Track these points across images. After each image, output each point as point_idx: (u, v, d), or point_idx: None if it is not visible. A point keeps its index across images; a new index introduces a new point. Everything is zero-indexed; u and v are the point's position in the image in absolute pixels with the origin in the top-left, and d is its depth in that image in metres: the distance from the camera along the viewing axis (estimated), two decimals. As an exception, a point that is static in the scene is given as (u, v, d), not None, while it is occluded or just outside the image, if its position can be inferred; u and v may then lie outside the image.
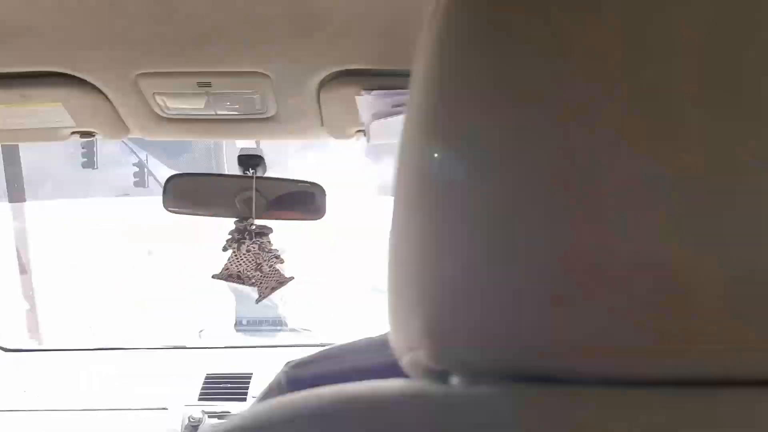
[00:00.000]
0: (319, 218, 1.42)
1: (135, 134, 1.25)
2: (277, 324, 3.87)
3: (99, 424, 1.52)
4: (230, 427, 0.33)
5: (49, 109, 1.15)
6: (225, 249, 1.34)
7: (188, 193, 1.36)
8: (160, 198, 1.28)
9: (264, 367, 1.62)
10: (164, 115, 1.17)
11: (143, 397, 1.59)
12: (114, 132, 1.24)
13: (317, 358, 0.59)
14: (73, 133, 1.24)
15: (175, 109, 1.16)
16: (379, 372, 0.36)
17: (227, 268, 1.33)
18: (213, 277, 1.35)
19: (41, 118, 1.18)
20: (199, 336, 3.94)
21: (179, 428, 1.47)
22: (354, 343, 0.62)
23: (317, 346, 2.34)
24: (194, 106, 1.15)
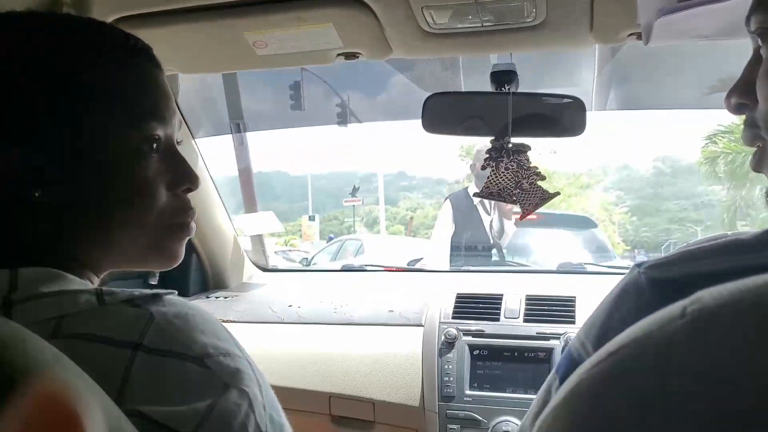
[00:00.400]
0: (579, 134, 1.35)
1: (398, 54, 1.25)
2: (488, 250, 3.86)
3: (360, 337, 1.61)
4: (725, 300, 0.30)
5: (320, 30, 1.18)
6: (483, 168, 1.32)
7: (444, 113, 1.35)
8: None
9: (510, 289, 1.61)
10: (430, 31, 1.16)
11: (398, 315, 1.66)
12: (378, 52, 1.25)
13: (674, 259, 0.54)
14: (339, 55, 1.27)
15: (442, 23, 1.14)
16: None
17: (488, 187, 1.31)
18: (474, 195, 1.35)
19: (312, 40, 1.22)
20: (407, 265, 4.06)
21: (436, 344, 1.51)
22: (710, 245, 0.55)
23: (548, 272, 2.30)
24: (462, 17, 1.12)
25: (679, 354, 0.29)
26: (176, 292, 0.65)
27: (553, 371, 0.61)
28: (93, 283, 0.69)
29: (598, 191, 26.57)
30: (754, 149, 0.63)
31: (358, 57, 1.27)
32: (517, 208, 3.68)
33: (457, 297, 1.60)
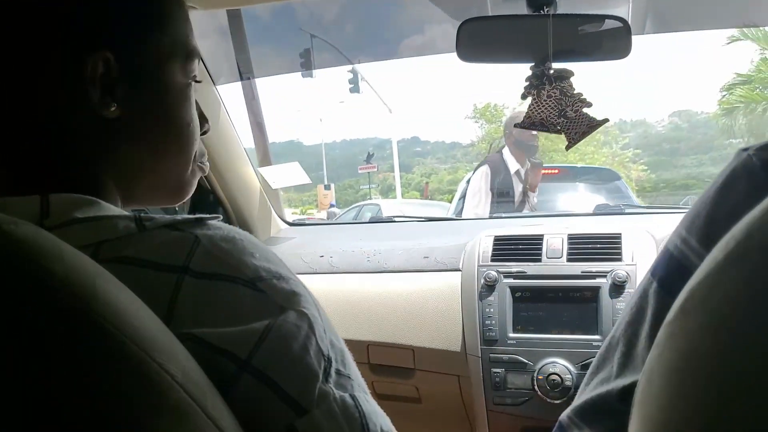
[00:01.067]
0: (624, 57, 1.26)
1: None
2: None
3: (396, 284, 1.56)
4: None
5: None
6: (524, 97, 1.24)
7: (481, 39, 1.27)
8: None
9: (551, 230, 1.54)
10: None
11: (434, 261, 1.60)
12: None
13: None
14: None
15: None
16: None
17: (529, 116, 1.23)
18: (515, 125, 1.28)
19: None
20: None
21: (475, 287, 1.45)
22: None
23: (587, 215, 2.23)
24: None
25: None
26: (221, 217, 0.61)
27: (647, 275, 0.55)
28: None
29: (616, 148, 26.24)
30: None
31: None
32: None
33: (495, 239, 1.54)
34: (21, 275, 0.40)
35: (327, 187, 22.41)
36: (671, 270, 0.51)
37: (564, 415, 0.56)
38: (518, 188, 3.61)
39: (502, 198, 3.61)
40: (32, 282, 0.40)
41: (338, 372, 0.57)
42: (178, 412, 0.42)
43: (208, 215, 0.59)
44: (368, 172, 26.22)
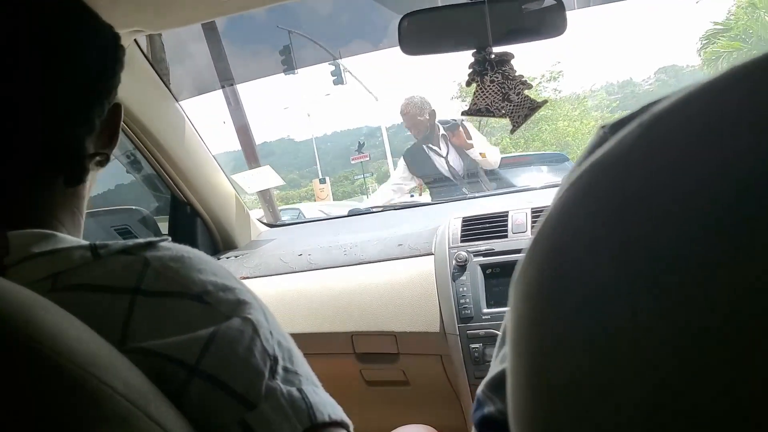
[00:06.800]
0: (561, 34, 1.31)
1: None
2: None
3: (373, 274, 1.62)
4: (686, 96, 0.28)
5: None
6: (468, 84, 1.29)
7: (422, 32, 1.32)
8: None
9: (514, 206, 1.59)
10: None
11: (407, 247, 1.66)
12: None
13: (636, 112, 0.52)
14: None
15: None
16: None
17: (475, 104, 1.28)
18: (462, 113, 1.32)
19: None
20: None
21: (448, 269, 1.50)
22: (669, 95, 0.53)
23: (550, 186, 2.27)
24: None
25: (637, 158, 0.28)
26: (170, 238, 0.66)
27: None
28: None
29: (606, 112, 26.19)
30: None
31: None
32: (473, 140, 3.58)
33: (464, 220, 1.59)
34: None
35: (322, 181, 22.45)
36: None
37: (479, 390, 0.61)
38: (440, 160, 3.65)
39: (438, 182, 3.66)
40: None
41: (285, 369, 0.62)
42: (119, 418, 0.48)
43: (157, 238, 0.65)
44: (361, 162, 26.22)
